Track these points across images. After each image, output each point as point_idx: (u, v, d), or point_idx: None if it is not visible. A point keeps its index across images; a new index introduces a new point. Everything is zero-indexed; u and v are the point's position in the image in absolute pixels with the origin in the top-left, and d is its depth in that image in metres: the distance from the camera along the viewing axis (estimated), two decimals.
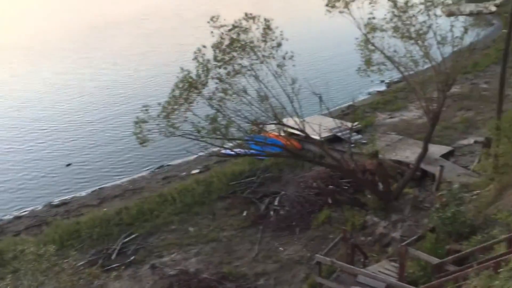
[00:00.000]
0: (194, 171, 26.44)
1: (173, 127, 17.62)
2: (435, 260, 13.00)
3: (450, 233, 14.94)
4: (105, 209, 23.00)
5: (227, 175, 24.17)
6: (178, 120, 17.77)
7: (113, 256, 19.25)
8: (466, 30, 19.28)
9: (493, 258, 10.91)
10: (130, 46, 53.80)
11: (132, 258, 19.05)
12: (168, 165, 28.03)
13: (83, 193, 25.72)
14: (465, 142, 25.61)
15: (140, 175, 27.18)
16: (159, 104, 17.86)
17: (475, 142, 25.09)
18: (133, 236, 20.46)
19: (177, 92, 17.80)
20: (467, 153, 24.44)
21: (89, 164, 28.63)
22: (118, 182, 26.58)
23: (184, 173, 26.53)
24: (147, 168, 27.85)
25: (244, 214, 21.33)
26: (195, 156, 23.71)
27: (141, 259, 18.98)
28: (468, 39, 20.32)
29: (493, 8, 46.85)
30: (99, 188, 26.02)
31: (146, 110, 17.45)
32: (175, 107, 17.67)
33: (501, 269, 9.12)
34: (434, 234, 14.96)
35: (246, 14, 17.86)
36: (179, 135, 18.10)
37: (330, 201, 20.88)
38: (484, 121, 25.80)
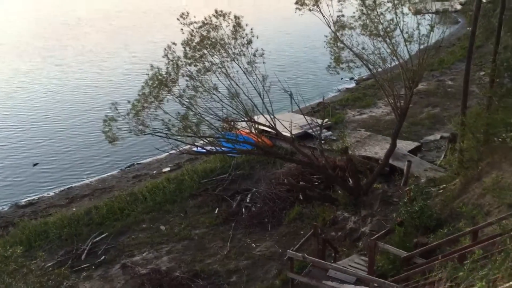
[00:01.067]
0: (165, 169, 26.26)
1: (143, 125, 17.46)
2: (403, 253, 13.32)
3: (417, 227, 15.31)
4: (74, 209, 22.62)
5: (198, 173, 24.09)
6: (148, 118, 17.63)
7: (83, 256, 18.95)
8: (432, 28, 19.70)
9: (459, 250, 11.26)
10: (101, 43, 52.90)
11: (102, 258, 18.80)
12: (138, 163, 27.74)
13: (51, 193, 25.20)
14: (431, 137, 26.23)
15: (110, 174, 26.82)
16: (129, 102, 17.67)
17: (441, 137, 25.74)
18: (103, 235, 20.19)
19: (147, 90, 17.64)
20: (433, 148, 25.06)
21: (57, 163, 28.07)
22: (87, 181, 26.16)
23: (155, 172, 26.32)
24: (117, 167, 27.48)
25: (216, 211, 21.32)
26: (166, 154, 23.55)
27: (112, 259, 18.75)
28: (434, 37, 20.77)
29: (458, 6, 47.90)
30: (68, 188, 25.54)
31: (116, 108, 17.23)
32: (145, 105, 17.51)
33: (466, 261, 9.41)
34: (402, 228, 15.27)
35: (216, 11, 17.83)
36: (150, 133, 17.93)
37: (301, 197, 21.05)
38: (449, 117, 26.46)
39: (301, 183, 21.62)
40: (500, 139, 17.18)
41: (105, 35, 56.05)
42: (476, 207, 14.65)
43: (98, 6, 71.84)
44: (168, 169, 26.24)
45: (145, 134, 17.95)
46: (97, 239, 19.97)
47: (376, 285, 12.45)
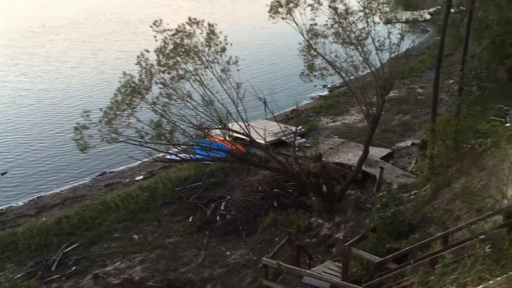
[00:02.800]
0: (138, 178, 25.94)
1: (116, 133, 17.25)
2: (376, 259, 13.45)
3: (390, 232, 15.50)
4: (44, 219, 22.10)
5: (172, 180, 23.89)
6: (121, 126, 17.44)
7: (53, 267, 18.52)
8: (402, 37, 20.10)
9: (430, 255, 11.45)
10: (69, 51, 51.97)
11: (73, 268, 18.41)
12: (110, 172, 27.32)
13: (20, 203, 24.57)
14: (403, 144, 26.65)
15: (81, 182, 26.32)
16: (101, 109, 17.44)
17: (412, 144, 26.18)
18: (74, 245, 19.78)
19: (119, 97, 17.46)
20: (405, 155, 25.47)
21: (26, 172, 27.39)
22: (57, 190, 25.59)
23: (127, 180, 25.97)
24: (88, 176, 27.00)
25: (190, 219, 21.15)
26: (139, 162, 23.29)
27: (83, 269, 18.38)
28: (405, 45, 21.20)
29: (428, 16, 49.10)
30: (37, 197, 24.95)
31: (87, 115, 16.98)
32: (118, 112, 17.32)
33: (437, 265, 9.57)
34: (375, 233, 15.45)
35: (189, 19, 17.80)
36: (122, 141, 17.73)
37: (275, 204, 21.08)
38: (420, 124, 26.97)
39: (275, 190, 21.69)
40: (469, 146, 17.59)
41: (72, 43, 55.02)
42: (446, 212, 14.93)
43: (62, 13, 70.57)
44: (141, 177, 25.94)
45: (117, 142, 17.73)
46: (68, 249, 19.56)
47: None
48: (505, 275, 5.02)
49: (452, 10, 30.69)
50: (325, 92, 37.56)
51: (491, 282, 4.62)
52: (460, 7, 36.34)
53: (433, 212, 14.94)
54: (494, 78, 27.97)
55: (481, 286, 4.51)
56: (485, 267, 5.46)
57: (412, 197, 18.54)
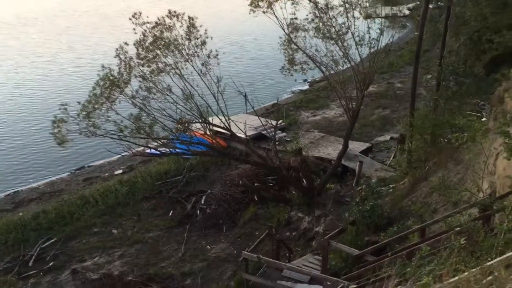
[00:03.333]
0: (117, 172, 25.68)
1: (94, 127, 17.05)
2: (355, 252, 13.63)
3: (369, 225, 15.70)
4: (20, 214, 21.72)
5: (152, 175, 23.71)
6: (100, 120, 17.24)
7: (31, 263, 18.23)
8: (382, 32, 20.29)
9: (407, 248, 11.64)
10: (45, 44, 50.93)
11: (51, 264, 18.16)
12: (89, 166, 26.98)
13: None
14: (382, 138, 26.93)
15: (59, 177, 25.90)
16: (79, 103, 17.20)
17: (391, 138, 26.48)
18: (52, 240, 19.50)
19: (98, 91, 17.25)
20: (384, 149, 25.75)
21: (2, 166, 26.87)
22: (34, 185, 25.13)
23: (106, 174, 25.68)
24: (66, 170, 26.61)
25: (170, 214, 21.06)
26: (118, 156, 23.02)
27: (61, 265, 18.15)
28: (384, 40, 21.39)
29: (406, 12, 49.53)
30: (14, 192, 24.48)
31: (65, 109, 16.73)
32: (96, 106, 17.11)
33: (414, 258, 9.73)
34: (354, 226, 15.64)
35: (169, 12, 17.65)
36: (101, 135, 17.55)
37: (256, 198, 21.14)
38: (399, 119, 27.21)
39: (256, 184, 21.74)
40: (446, 140, 17.92)
41: (48, 36, 53.88)
42: (423, 205, 15.20)
43: (37, 5, 68.90)
44: (120, 171, 25.68)
45: (96, 136, 17.54)
46: (46, 244, 19.27)
47: (329, 283, 12.69)
48: (480, 267, 5.14)
49: (430, 6, 31.14)
50: (306, 87, 37.67)
51: (466, 273, 4.73)
52: (439, 3, 36.81)
53: (411, 205, 15.24)
54: (471, 73, 28.50)
55: (456, 277, 4.61)
56: (460, 259, 5.58)
57: (391, 190, 18.80)
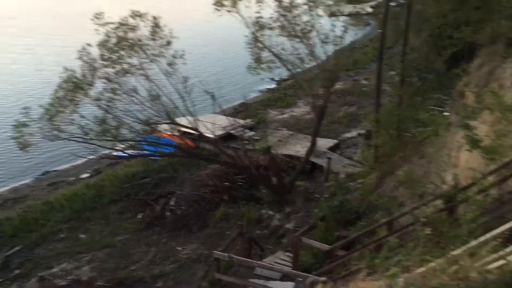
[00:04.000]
0: (83, 176, 25.16)
1: (58, 130, 16.67)
2: (325, 247, 13.76)
3: (338, 221, 15.88)
4: None
5: (119, 177, 23.35)
6: (64, 123, 16.88)
7: None
8: (345, 30, 20.57)
9: (376, 241, 11.83)
10: (3, 47, 49.28)
11: (17, 271, 17.65)
12: (54, 170, 26.30)
13: None
14: (349, 135, 27.31)
15: (22, 183, 25.16)
16: (41, 106, 16.79)
17: (358, 134, 26.88)
18: (17, 248, 18.95)
19: (61, 93, 16.88)
20: (351, 145, 26.11)
21: None
22: None
23: (72, 178, 25.13)
24: (30, 175, 25.88)
25: (139, 216, 20.78)
26: (85, 160, 22.57)
27: (27, 272, 17.66)
28: (348, 38, 21.68)
29: (369, 9, 50.34)
30: None
31: (27, 113, 16.30)
32: (60, 109, 16.74)
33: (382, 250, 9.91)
34: (324, 222, 15.80)
35: (133, 12, 17.42)
36: (65, 139, 17.19)
37: (226, 197, 21.10)
38: (365, 115, 27.72)
39: (225, 183, 21.70)
40: (410, 135, 18.30)
41: (6, 38, 52.17)
42: (391, 199, 15.47)
43: None
44: (87, 175, 25.18)
45: (60, 140, 17.16)
46: (10, 252, 18.71)
47: (300, 279, 12.77)
48: (445, 257, 5.28)
49: (392, 4, 31.73)
50: (273, 85, 37.82)
51: (432, 263, 4.85)
52: (400, 1, 37.51)
53: (379, 199, 15.49)
54: (433, 69, 29.13)
55: (422, 268, 4.73)
56: (427, 249, 5.72)
57: (359, 185, 19.08)
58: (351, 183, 19.00)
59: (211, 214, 20.49)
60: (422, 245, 5.91)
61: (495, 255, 5.80)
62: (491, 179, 10.84)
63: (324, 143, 24.36)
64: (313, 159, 22.21)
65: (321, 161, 22.20)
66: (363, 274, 4.68)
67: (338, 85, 31.98)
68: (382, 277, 4.54)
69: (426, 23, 28.04)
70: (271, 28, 19.96)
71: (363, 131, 25.39)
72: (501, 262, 5.60)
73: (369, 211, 16.15)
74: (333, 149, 24.40)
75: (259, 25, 19.69)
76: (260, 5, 19.34)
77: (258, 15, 19.61)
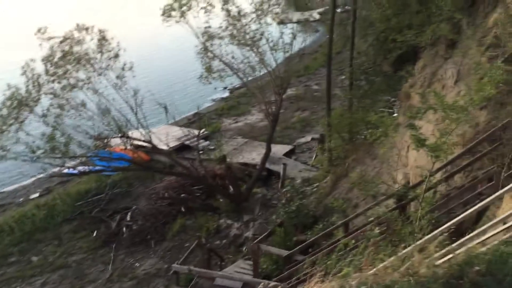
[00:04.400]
0: (33, 196, 24.20)
1: (3, 150, 16.00)
2: (284, 253, 13.83)
3: (296, 225, 16.04)
4: None
5: (71, 195, 22.60)
6: (9, 142, 16.22)
7: None
8: (294, 37, 20.87)
9: (332, 243, 12.00)
10: None
11: None
12: (1, 192, 25.22)
13: None
14: (303, 140, 27.60)
15: None
16: None
17: (312, 139, 27.23)
18: None
19: (5, 111, 16.24)
20: (306, 149, 26.41)
21: None
22: None
23: (21, 199, 24.12)
24: None
25: (94, 234, 20.19)
26: (34, 179, 21.77)
27: None
28: (298, 44, 22.01)
29: (317, 16, 51.39)
30: None
31: None
32: (4, 127, 16.08)
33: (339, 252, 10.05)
34: (282, 228, 15.88)
35: (77, 25, 17.02)
36: (12, 158, 16.51)
37: (183, 209, 20.84)
38: (318, 120, 28.13)
39: (182, 195, 21.44)
40: (362, 137, 18.73)
41: None
42: (346, 201, 15.77)
43: None
44: (37, 195, 24.24)
45: (6, 159, 16.47)
46: None
47: (261, 286, 12.73)
48: (396, 255, 5.40)
49: (339, 10, 32.52)
50: (226, 94, 37.83)
51: (384, 262, 4.95)
52: (346, 7, 38.48)
53: (334, 202, 15.69)
54: (380, 71, 30.01)
55: (374, 267, 4.81)
56: (380, 248, 5.83)
57: (315, 189, 19.33)
58: (307, 188, 19.21)
59: (169, 227, 20.18)
60: (373, 244, 6.03)
61: (443, 250, 6.00)
62: (438, 176, 11.26)
63: (279, 149, 24.54)
64: (269, 165, 22.32)
65: (277, 167, 22.33)
66: (316, 277, 4.72)
67: (290, 91, 32.43)
68: (334, 278, 4.59)
69: (372, 27, 28.95)
70: (220, 37, 20.00)
71: (317, 136, 25.74)
72: (449, 256, 5.79)
73: (325, 214, 16.37)
74: (288, 154, 24.60)
75: (208, 34, 19.68)
76: (208, 15, 19.33)
77: (207, 25, 19.60)
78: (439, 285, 4.36)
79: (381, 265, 4.93)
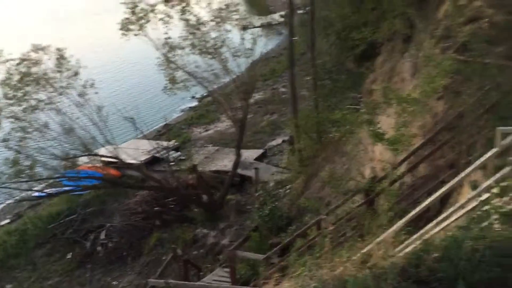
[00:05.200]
0: (3, 222, 23.61)
1: None
2: (261, 257, 13.84)
3: (270, 229, 16.07)
4: None
5: (43, 218, 22.15)
6: None
7: None
8: (255, 41, 20.98)
9: (306, 243, 12.07)
10: None
11: None
12: None
13: None
14: (274, 143, 27.74)
15: None
16: None
17: (283, 141, 27.40)
18: None
19: None
20: (277, 152, 26.54)
21: None
22: None
23: None
24: None
25: (69, 256, 19.84)
26: (2, 205, 21.28)
27: None
28: (262, 49, 22.14)
29: (280, 19, 51.81)
30: None
31: None
32: None
33: (313, 251, 10.12)
34: (257, 232, 15.91)
35: (34, 46, 16.77)
36: None
37: (158, 222, 20.68)
38: (286, 122, 28.30)
39: (156, 208, 21.27)
40: (330, 135, 18.95)
41: None
42: (318, 200, 15.89)
43: None
44: (6, 221, 23.65)
45: None
46: None
47: None
48: (357, 249, 5.50)
49: (301, 11, 32.88)
50: (195, 103, 37.71)
51: (343, 257, 5.02)
52: (307, 8, 38.93)
53: (306, 202, 15.83)
54: (344, 70, 30.47)
55: (334, 263, 4.88)
56: (339, 244, 5.91)
57: (288, 191, 19.41)
58: (280, 190, 19.29)
59: (145, 242, 19.99)
60: (331, 241, 6.11)
61: (407, 241, 6.13)
62: (404, 167, 11.48)
63: (250, 154, 24.59)
64: (241, 171, 22.33)
65: (250, 172, 22.37)
66: (273, 279, 4.77)
67: (258, 96, 32.60)
68: (294, 277, 4.64)
69: (332, 27, 29.39)
70: (182, 48, 19.96)
71: (287, 138, 25.91)
72: (409, 245, 5.92)
73: (299, 215, 16.46)
74: (260, 158, 24.67)
75: (169, 45, 19.62)
76: (167, 26, 19.26)
77: (166, 35, 19.53)
78: (395, 275, 4.44)
79: (340, 260, 5.01)
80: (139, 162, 20.69)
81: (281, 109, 32.76)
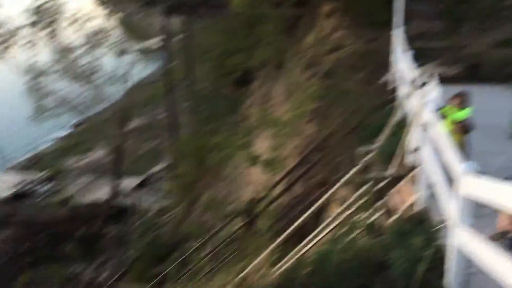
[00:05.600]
0: None
1: None
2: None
3: (153, 258, 15.61)
4: None
5: None
6: None
7: None
8: (133, 67, 20.60)
9: (190, 269, 11.93)
10: None
11: None
12: None
13: None
14: (156, 169, 27.20)
15: None
16: None
17: (164, 167, 26.95)
18: None
19: None
20: (159, 179, 26.02)
21: None
22: None
23: None
24: None
25: None
26: None
27: None
28: (141, 74, 21.76)
29: (159, 44, 51.45)
30: None
31: None
32: None
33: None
34: (139, 263, 15.35)
35: None
36: None
37: (29, 260, 18.94)
38: (167, 148, 27.94)
39: (26, 245, 19.52)
40: (209, 160, 19.09)
41: None
42: (200, 225, 15.84)
43: None
44: None
45: None
46: None
47: None
48: (233, 271, 5.59)
49: (180, 37, 32.97)
50: (69, 131, 35.60)
51: (219, 280, 5.07)
52: (185, 34, 39.21)
53: (189, 228, 15.73)
54: (222, 95, 31.03)
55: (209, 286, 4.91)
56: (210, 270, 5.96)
57: (170, 218, 19.10)
58: (162, 217, 18.91)
59: (15, 283, 18.14)
60: (210, 266, 6.15)
61: (284, 259, 6.38)
62: (280, 188, 11.96)
63: (130, 182, 23.78)
64: (120, 200, 21.49)
65: (129, 201, 21.61)
66: None
67: (139, 121, 31.83)
68: None
69: (209, 53, 29.91)
70: (51, 73, 18.89)
71: (167, 164, 25.55)
72: (288, 264, 6.17)
73: (184, 241, 16.24)
74: (140, 186, 23.99)
75: (36, 71, 18.44)
76: (33, 50, 18.14)
77: (33, 60, 18.37)
78: None
79: (219, 284, 5.05)
80: (4, 197, 18.88)
81: (162, 134, 32.30)
